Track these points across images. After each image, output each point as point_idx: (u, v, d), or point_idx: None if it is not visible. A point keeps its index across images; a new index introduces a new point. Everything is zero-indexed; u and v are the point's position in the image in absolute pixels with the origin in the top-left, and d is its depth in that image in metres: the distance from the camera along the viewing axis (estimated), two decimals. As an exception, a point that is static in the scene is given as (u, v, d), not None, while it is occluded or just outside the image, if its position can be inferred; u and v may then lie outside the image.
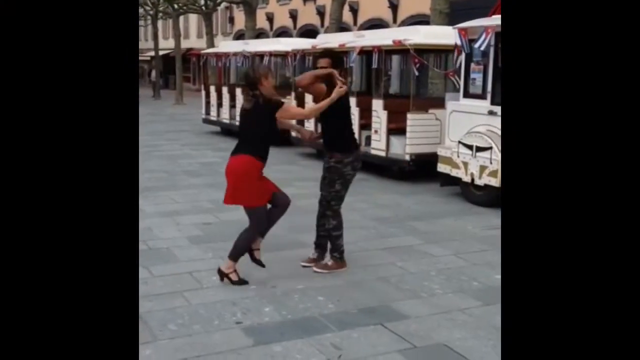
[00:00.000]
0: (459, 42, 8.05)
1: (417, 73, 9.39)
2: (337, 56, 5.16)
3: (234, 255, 4.72)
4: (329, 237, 5.06)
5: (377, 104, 9.66)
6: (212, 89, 16.16)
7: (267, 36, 30.22)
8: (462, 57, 8.15)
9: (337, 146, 4.92)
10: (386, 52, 9.80)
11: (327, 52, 5.28)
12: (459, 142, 7.85)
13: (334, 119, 4.90)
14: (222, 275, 4.71)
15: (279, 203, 4.81)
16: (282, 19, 31.21)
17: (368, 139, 9.89)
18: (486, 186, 7.49)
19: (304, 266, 5.09)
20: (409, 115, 9.13)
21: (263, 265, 4.87)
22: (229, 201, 4.75)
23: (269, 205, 4.82)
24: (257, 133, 4.71)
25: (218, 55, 15.88)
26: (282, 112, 4.69)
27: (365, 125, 9.95)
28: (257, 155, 4.65)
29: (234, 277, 4.70)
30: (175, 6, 30.21)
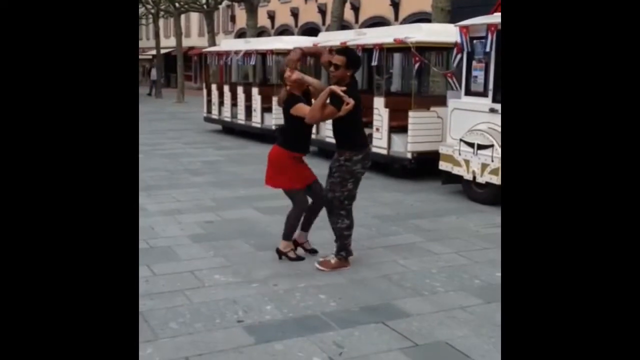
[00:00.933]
0: (459, 40, 8.03)
1: (414, 71, 9.38)
2: (353, 56, 5.00)
3: (286, 234, 5.22)
4: (339, 237, 5.01)
5: (379, 102, 9.66)
6: (214, 87, 16.18)
7: (269, 34, 30.22)
8: (461, 56, 8.14)
9: (347, 144, 4.89)
10: (387, 50, 9.79)
11: (345, 51, 5.09)
12: (461, 140, 7.84)
13: (345, 117, 4.87)
14: (280, 253, 5.24)
15: (314, 198, 5.23)
16: (284, 17, 31.20)
17: (370, 137, 9.88)
18: (488, 184, 7.49)
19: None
20: (410, 113, 9.12)
21: (316, 251, 5.36)
22: (267, 183, 5.27)
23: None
24: (283, 124, 5.26)
25: (219, 54, 15.88)
26: (294, 110, 4.94)
27: (367, 123, 9.93)
28: (282, 145, 5.11)
29: (291, 254, 5.22)
30: (177, 5, 30.21)
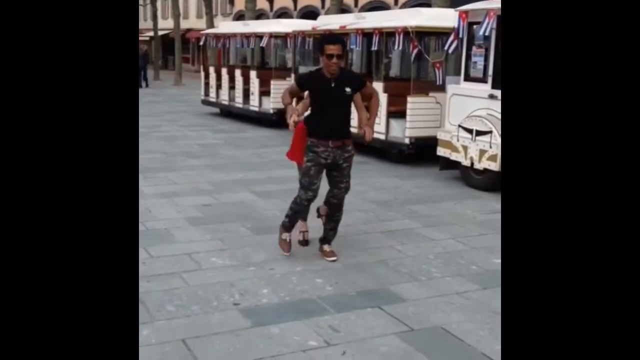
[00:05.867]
0: (456, 26, 7.98)
1: (412, 59, 9.34)
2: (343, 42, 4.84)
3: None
4: (336, 227, 4.94)
5: (377, 87, 9.60)
6: (212, 70, 16.09)
7: (268, 17, 29.99)
8: (457, 43, 8.09)
9: (350, 133, 4.83)
10: (387, 35, 9.73)
11: (340, 39, 4.80)
12: (459, 125, 7.82)
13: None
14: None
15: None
16: (283, 0, 30.96)
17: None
18: (485, 170, 7.48)
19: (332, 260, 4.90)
20: (409, 99, 9.09)
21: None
22: None
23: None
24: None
25: (217, 36, 15.77)
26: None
27: (365, 108, 9.90)
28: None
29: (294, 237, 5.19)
30: (175, -14, 29.93)
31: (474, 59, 7.98)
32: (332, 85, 4.65)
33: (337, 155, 4.68)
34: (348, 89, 4.69)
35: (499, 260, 4.95)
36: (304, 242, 5.24)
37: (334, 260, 4.85)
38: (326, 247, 4.97)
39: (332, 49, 4.56)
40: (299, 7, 29.74)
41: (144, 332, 3.55)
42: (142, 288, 4.19)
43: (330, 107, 4.71)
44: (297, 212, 4.87)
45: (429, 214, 6.46)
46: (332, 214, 4.86)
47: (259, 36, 13.75)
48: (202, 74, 16.69)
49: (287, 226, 4.94)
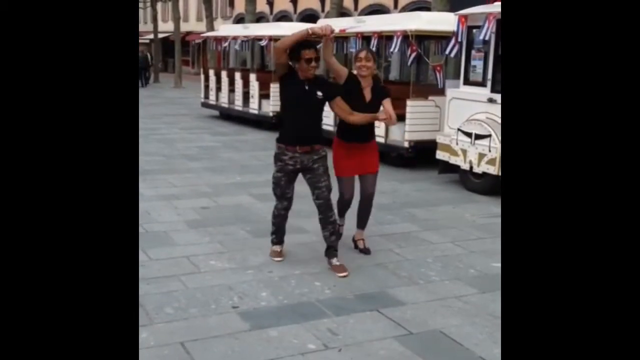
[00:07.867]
0: (455, 30, 8.00)
1: (409, 63, 9.35)
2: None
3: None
4: (336, 231, 4.82)
5: (377, 90, 9.61)
6: (211, 72, 16.10)
7: (267, 20, 30.04)
8: (459, 47, 8.11)
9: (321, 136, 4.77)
10: (386, 38, 9.75)
11: (313, 43, 4.72)
12: (458, 129, 7.83)
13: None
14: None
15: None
16: (283, 3, 31.01)
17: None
18: (484, 174, 7.49)
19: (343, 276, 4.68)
20: (408, 102, 9.11)
21: (368, 252, 5.22)
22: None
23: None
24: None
25: (217, 39, 15.79)
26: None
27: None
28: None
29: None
30: (175, -12, 29.98)
31: (473, 62, 8.00)
32: (306, 87, 4.58)
33: (306, 159, 4.63)
34: (320, 93, 4.63)
35: (498, 264, 4.96)
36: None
37: (345, 276, 4.60)
38: (334, 261, 4.77)
39: (309, 53, 4.51)
40: (298, 10, 29.80)
41: (142, 335, 3.55)
42: (141, 290, 4.19)
43: (302, 112, 4.62)
44: (279, 224, 4.98)
45: (428, 218, 6.46)
46: (324, 215, 4.74)
47: (259, 39, 13.77)
48: (202, 76, 16.72)
49: (276, 241, 5.04)
